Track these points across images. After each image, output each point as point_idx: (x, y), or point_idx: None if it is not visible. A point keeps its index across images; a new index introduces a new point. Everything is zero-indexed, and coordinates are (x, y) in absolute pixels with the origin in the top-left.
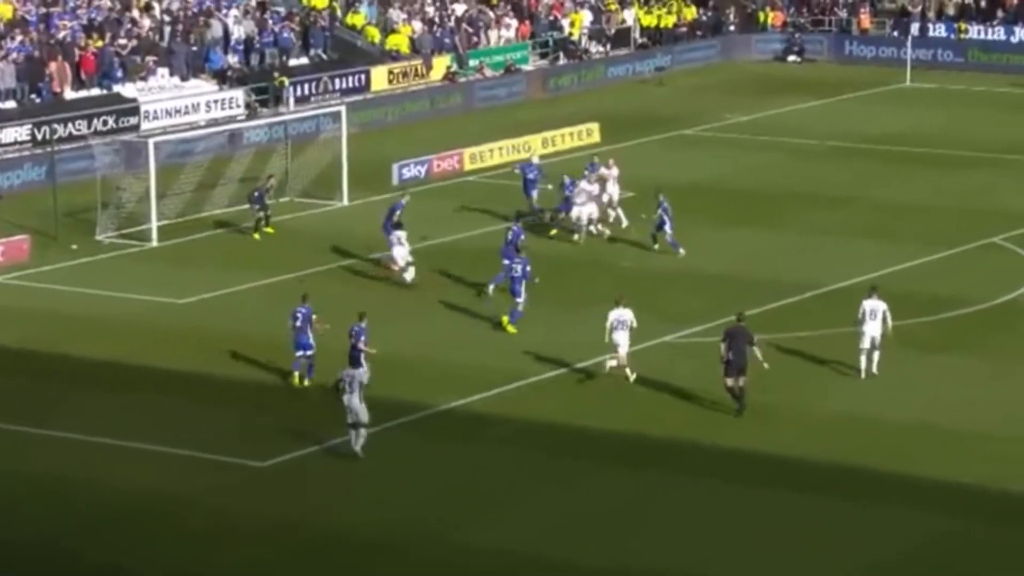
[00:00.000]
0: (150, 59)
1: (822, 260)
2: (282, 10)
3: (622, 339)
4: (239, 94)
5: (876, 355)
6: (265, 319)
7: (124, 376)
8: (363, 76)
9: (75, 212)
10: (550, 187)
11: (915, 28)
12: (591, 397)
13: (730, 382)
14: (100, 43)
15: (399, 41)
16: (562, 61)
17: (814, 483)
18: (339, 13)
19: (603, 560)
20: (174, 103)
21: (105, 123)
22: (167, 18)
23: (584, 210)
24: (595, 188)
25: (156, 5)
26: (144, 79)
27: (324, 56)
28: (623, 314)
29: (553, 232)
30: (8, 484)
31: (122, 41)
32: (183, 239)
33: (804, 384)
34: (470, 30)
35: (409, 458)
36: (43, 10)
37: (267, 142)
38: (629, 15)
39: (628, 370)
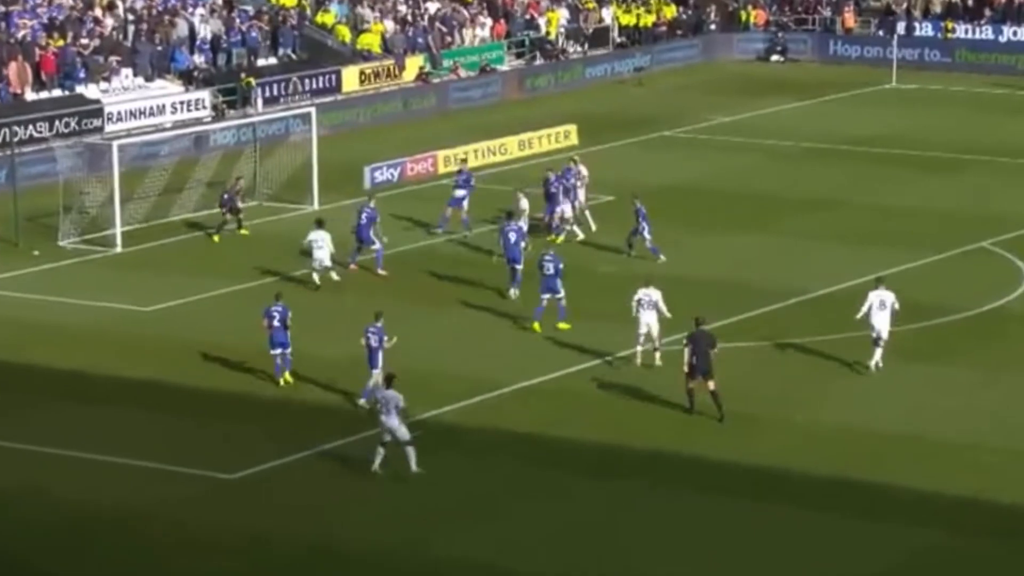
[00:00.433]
0: (113, 59)
1: (806, 265)
2: (250, 8)
3: (651, 319)
4: (206, 95)
5: (880, 350)
6: (234, 327)
7: (87, 386)
8: (334, 77)
9: (36, 217)
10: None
11: (901, 27)
12: (570, 407)
13: (692, 384)
14: (61, 42)
15: (371, 41)
16: (539, 61)
17: (799, 495)
18: (309, 12)
19: (584, 573)
20: (138, 104)
21: (67, 125)
22: (131, 17)
23: (566, 208)
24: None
25: (119, 3)
26: (107, 80)
27: (293, 56)
28: (650, 293)
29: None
30: None
31: (84, 40)
32: (149, 245)
33: (788, 394)
34: (444, 29)
35: (385, 469)
36: (1, 8)
37: (235, 144)
38: (607, 14)
39: (658, 354)
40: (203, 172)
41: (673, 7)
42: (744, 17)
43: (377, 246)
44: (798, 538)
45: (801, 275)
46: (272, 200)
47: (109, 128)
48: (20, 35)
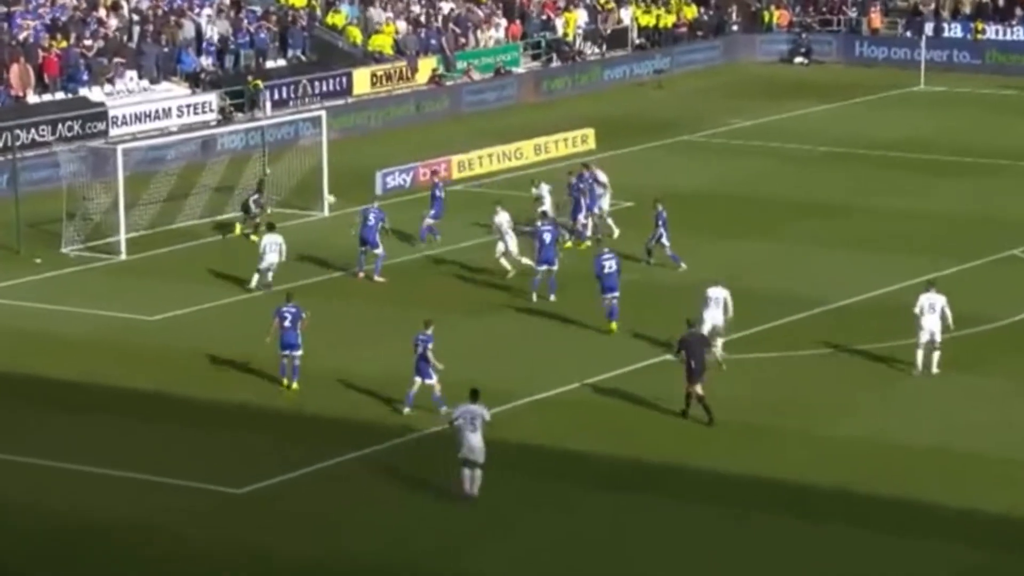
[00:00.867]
0: (118, 61)
1: (830, 274)
2: (258, 9)
3: (716, 317)
4: (213, 98)
5: (936, 354)
6: (241, 336)
7: (90, 397)
8: (344, 79)
9: (39, 223)
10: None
11: (929, 28)
12: (585, 418)
13: (700, 389)
14: (64, 44)
15: (382, 42)
16: (555, 63)
17: (824, 511)
18: (319, 12)
19: None
20: (143, 108)
21: (70, 129)
22: (136, 17)
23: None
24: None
25: (124, 4)
26: (112, 82)
27: (303, 58)
28: (718, 291)
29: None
30: None
31: (88, 42)
32: (154, 252)
33: (812, 406)
34: (457, 30)
35: (392, 483)
36: (3, 9)
37: (242, 149)
38: (626, 14)
39: (719, 353)
40: (210, 177)
41: (694, 8)
42: (767, 18)
43: (380, 251)
44: (825, 556)
45: (825, 284)
46: (281, 206)
47: (113, 132)
48: (22, 36)
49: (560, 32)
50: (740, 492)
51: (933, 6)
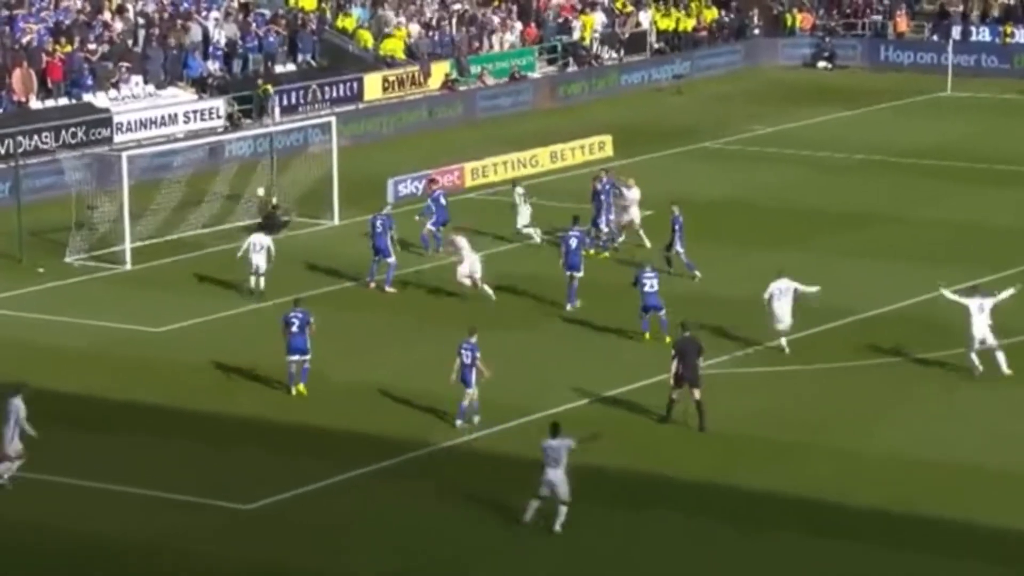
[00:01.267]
0: (123, 66)
1: (856, 285)
2: (267, 12)
3: (783, 310)
4: (220, 104)
5: (1000, 355)
6: (250, 348)
7: (94, 411)
8: (355, 84)
9: (42, 232)
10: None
11: (956, 31)
12: (604, 433)
13: (675, 394)
14: (68, 48)
15: (394, 46)
16: (572, 68)
17: (856, 530)
18: (329, 15)
19: None
20: (149, 114)
21: (74, 135)
22: (142, 21)
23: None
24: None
25: (130, 7)
26: (116, 87)
27: (313, 62)
28: (781, 284)
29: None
30: None
31: (92, 46)
32: (160, 262)
33: (842, 421)
34: (471, 33)
35: (404, 498)
36: (5, 12)
37: (251, 156)
38: (645, 18)
39: (784, 342)
40: (217, 185)
41: (714, 10)
42: (789, 21)
43: (392, 260)
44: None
45: (851, 295)
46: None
47: (118, 139)
48: (25, 40)
49: (577, 36)
50: (765, 510)
51: (961, 9)
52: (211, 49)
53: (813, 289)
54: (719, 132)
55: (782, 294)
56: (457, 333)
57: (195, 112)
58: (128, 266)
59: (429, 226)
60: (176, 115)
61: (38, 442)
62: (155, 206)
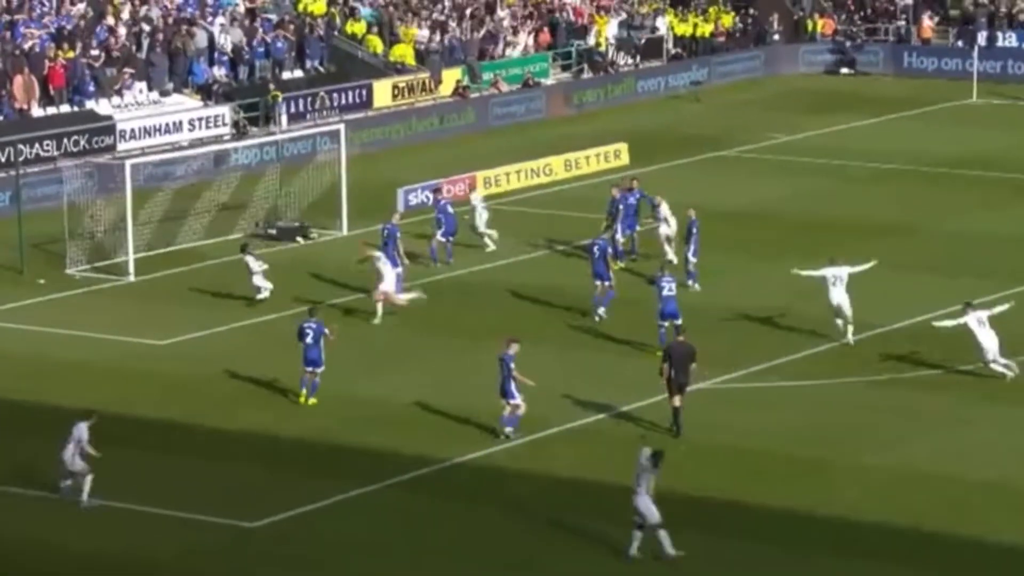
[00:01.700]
0: (126, 72)
1: (877, 297)
2: (274, 17)
3: (840, 297)
4: (226, 111)
5: (1011, 361)
6: (256, 361)
7: (97, 427)
8: (364, 91)
9: (42, 243)
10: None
11: (982, 38)
12: (620, 449)
13: (677, 401)
14: (71, 54)
15: (404, 52)
16: (587, 74)
17: (879, 549)
18: (337, 21)
19: None
20: (153, 121)
21: (76, 143)
22: (146, 27)
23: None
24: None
25: (127, 11)
26: (119, 94)
27: (321, 69)
28: (835, 270)
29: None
30: None
31: (95, 52)
32: (164, 273)
33: (864, 437)
34: (484, 37)
35: (412, 516)
36: (7, 18)
37: (257, 164)
38: (662, 23)
39: (849, 330)
40: (223, 194)
41: (732, 15)
42: (810, 26)
43: (399, 270)
44: None
45: (872, 308)
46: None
47: (121, 147)
48: (26, 46)
49: (592, 42)
50: (794, 529)
51: (987, 14)
52: (216, 55)
53: (868, 265)
54: (738, 140)
55: (839, 280)
56: (467, 345)
57: (200, 120)
58: (131, 277)
59: (439, 237)
60: (180, 123)
61: (37, 458)
62: (158, 216)
